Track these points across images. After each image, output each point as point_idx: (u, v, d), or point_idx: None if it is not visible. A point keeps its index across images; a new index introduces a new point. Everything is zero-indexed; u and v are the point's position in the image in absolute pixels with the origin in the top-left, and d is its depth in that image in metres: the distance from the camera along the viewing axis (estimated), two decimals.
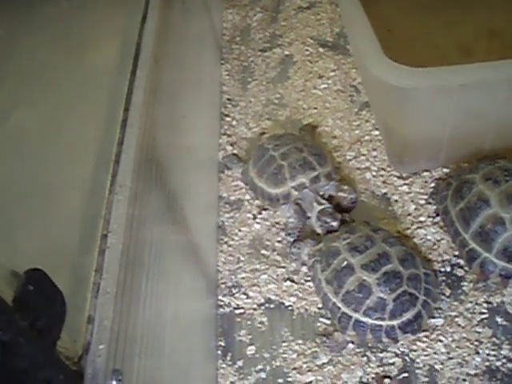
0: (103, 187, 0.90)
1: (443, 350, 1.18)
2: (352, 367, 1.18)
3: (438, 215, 1.40)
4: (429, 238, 1.37)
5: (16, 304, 0.58)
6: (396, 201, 1.46)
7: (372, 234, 1.25)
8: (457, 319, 1.22)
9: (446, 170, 1.49)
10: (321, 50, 1.94)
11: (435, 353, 1.18)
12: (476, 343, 1.18)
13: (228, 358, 1.25)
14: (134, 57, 1.15)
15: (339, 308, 1.20)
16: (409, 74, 1.26)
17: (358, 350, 1.21)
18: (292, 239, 1.40)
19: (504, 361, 1.15)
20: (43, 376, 0.58)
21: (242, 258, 1.40)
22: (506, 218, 1.21)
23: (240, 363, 1.23)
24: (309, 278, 1.33)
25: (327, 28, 2.02)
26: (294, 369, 1.20)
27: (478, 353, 1.17)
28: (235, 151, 1.66)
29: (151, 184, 1.01)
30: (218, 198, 1.55)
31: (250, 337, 1.27)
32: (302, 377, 1.18)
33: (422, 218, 1.41)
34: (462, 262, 1.31)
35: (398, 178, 1.51)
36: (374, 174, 1.53)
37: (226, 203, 1.54)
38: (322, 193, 1.42)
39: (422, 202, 1.44)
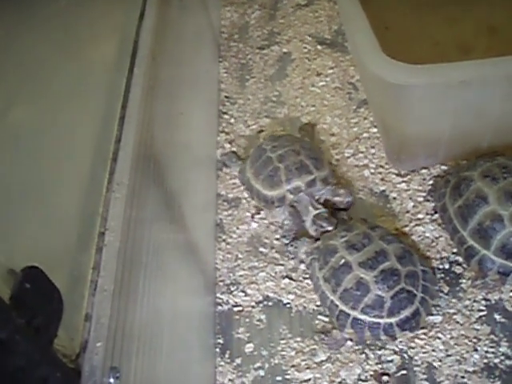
0: (100, 185, 0.89)
1: (441, 347, 1.18)
2: (350, 364, 1.18)
3: (436, 212, 1.40)
4: (427, 235, 1.37)
5: (13, 302, 0.58)
6: (394, 198, 1.46)
7: (369, 231, 1.25)
8: (455, 316, 1.22)
9: (444, 168, 1.49)
10: (319, 47, 1.93)
11: (433, 350, 1.18)
12: (474, 340, 1.18)
13: (226, 355, 1.25)
14: (131, 54, 1.15)
15: (337, 306, 1.20)
16: (407, 70, 1.25)
17: (357, 348, 1.21)
18: (287, 241, 1.40)
19: (502, 358, 1.15)
20: (40, 374, 0.58)
21: (240, 256, 1.40)
22: (505, 215, 1.21)
23: (238, 361, 1.23)
24: (307, 276, 1.33)
25: (325, 25, 2.02)
26: (293, 366, 1.20)
27: (476, 350, 1.17)
28: (234, 149, 1.66)
29: (149, 182, 1.01)
30: (216, 196, 1.55)
31: (248, 334, 1.27)
32: (300, 374, 1.18)
33: (420, 216, 1.41)
34: (460, 259, 1.31)
35: (397, 175, 1.51)
36: (372, 171, 1.53)
37: (224, 201, 1.54)
38: (317, 197, 1.41)
39: (421, 199, 1.44)
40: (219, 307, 1.32)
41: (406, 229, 1.39)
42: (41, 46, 1.04)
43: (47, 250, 0.75)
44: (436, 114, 1.36)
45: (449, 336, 1.19)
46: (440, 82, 1.27)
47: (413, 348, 1.19)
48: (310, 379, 1.18)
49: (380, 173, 1.52)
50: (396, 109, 1.41)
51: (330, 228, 1.34)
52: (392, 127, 1.47)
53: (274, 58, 1.95)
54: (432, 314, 1.22)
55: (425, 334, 1.20)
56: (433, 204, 1.42)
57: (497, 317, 1.21)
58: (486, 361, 1.15)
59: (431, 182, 1.47)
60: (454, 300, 1.25)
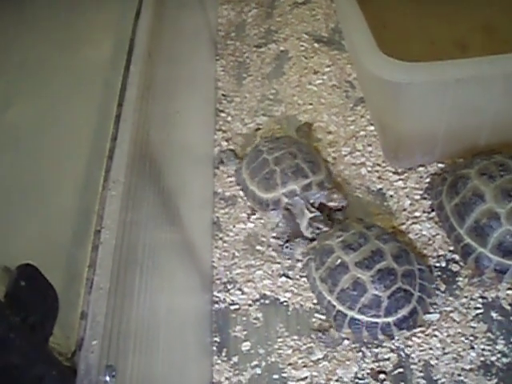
0: (96, 183, 0.89)
1: (438, 345, 1.18)
2: (347, 363, 1.18)
3: (433, 210, 1.40)
4: (424, 233, 1.37)
5: (8, 300, 0.58)
6: (391, 196, 1.46)
7: (365, 231, 1.25)
8: (452, 314, 1.22)
9: (441, 165, 1.49)
10: (316, 45, 1.93)
11: (430, 348, 1.18)
12: (471, 338, 1.18)
13: (223, 353, 1.24)
14: (127, 52, 1.15)
15: (334, 306, 1.20)
16: (403, 68, 1.25)
17: (354, 346, 1.21)
18: (281, 243, 1.39)
19: (499, 356, 1.16)
20: (36, 372, 0.58)
21: (237, 254, 1.40)
22: (501, 213, 1.21)
23: (235, 359, 1.23)
24: (304, 274, 1.33)
25: (322, 23, 2.02)
26: (290, 364, 1.20)
27: (473, 348, 1.17)
28: (231, 147, 1.66)
29: (145, 180, 1.01)
30: (213, 194, 1.55)
31: (245, 333, 1.27)
32: (297, 372, 1.18)
33: (417, 214, 1.41)
34: (457, 257, 1.31)
35: (393, 173, 1.51)
36: (369, 169, 1.53)
37: (221, 199, 1.53)
38: (312, 201, 1.41)
39: (417, 197, 1.44)
40: (216, 305, 1.32)
41: (403, 227, 1.39)
42: (37, 44, 1.03)
43: (43, 248, 0.75)
44: (433, 111, 1.36)
45: (445, 334, 1.19)
46: (437, 79, 1.27)
47: (409, 346, 1.19)
48: (306, 377, 1.18)
49: (377, 171, 1.52)
50: (393, 107, 1.41)
51: (326, 229, 1.34)
52: (389, 125, 1.47)
53: (271, 56, 1.94)
54: (429, 312, 1.22)
55: (422, 332, 1.20)
56: (429, 202, 1.42)
57: (493, 315, 1.22)
58: (482, 359, 1.16)
59: (428, 180, 1.47)
60: (450, 298, 1.25)
